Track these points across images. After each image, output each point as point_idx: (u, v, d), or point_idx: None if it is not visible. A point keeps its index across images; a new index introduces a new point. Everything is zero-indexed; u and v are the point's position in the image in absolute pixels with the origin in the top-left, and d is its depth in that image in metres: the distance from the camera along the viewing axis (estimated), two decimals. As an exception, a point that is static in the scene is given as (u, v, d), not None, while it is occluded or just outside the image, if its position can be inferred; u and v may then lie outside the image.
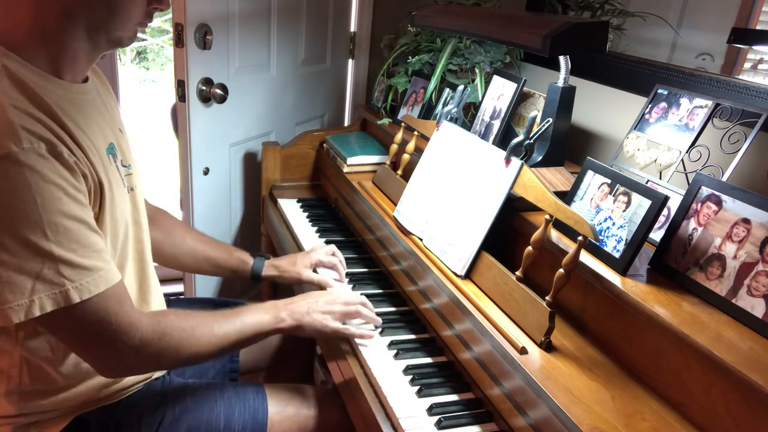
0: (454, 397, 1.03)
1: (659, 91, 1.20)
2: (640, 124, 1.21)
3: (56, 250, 0.77)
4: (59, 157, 0.78)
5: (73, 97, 0.87)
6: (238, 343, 1.04)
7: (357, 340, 1.15)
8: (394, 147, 1.58)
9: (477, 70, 1.61)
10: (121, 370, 0.95)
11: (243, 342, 1.05)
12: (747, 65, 1.24)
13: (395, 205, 1.39)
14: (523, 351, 0.94)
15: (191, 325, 0.97)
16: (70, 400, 0.97)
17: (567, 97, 1.29)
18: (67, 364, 0.95)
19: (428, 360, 1.13)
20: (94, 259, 0.82)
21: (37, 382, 0.93)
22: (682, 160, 1.10)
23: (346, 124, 2.33)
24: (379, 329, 1.19)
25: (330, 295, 1.17)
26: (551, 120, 1.21)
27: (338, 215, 1.75)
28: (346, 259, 1.46)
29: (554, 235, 1.10)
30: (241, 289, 2.06)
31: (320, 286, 1.33)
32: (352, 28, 2.20)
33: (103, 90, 1.02)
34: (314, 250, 1.40)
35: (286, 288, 1.67)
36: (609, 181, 1.06)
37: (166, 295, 1.21)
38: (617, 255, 0.99)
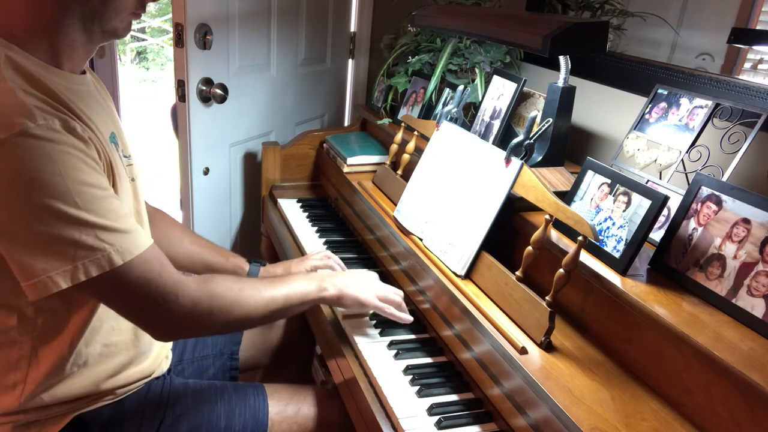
0: (454, 397, 1.03)
1: (659, 91, 1.20)
2: (640, 124, 1.21)
3: (90, 217, 0.79)
4: (73, 131, 0.80)
5: (73, 87, 0.89)
6: (284, 309, 1.06)
7: (357, 340, 1.16)
8: (394, 147, 1.58)
9: (477, 70, 1.61)
10: (175, 331, 0.97)
11: (289, 308, 1.06)
12: (747, 65, 1.24)
13: (395, 205, 1.39)
14: (523, 351, 0.94)
15: (240, 287, 0.99)
16: (70, 393, 0.98)
17: (567, 97, 1.29)
18: (73, 354, 0.95)
19: (428, 360, 1.13)
20: (126, 224, 0.84)
21: (42, 373, 0.94)
22: (682, 160, 1.10)
23: (346, 124, 2.33)
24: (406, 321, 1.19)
25: (372, 275, 1.21)
26: (551, 120, 1.21)
27: (338, 215, 1.75)
28: (347, 259, 1.46)
29: (554, 235, 1.10)
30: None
31: None
32: (352, 28, 2.20)
33: (100, 88, 1.03)
34: (309, 257, 1.39)
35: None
36: (609, 181, 1.06)
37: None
38: (617, 255, 0.99)
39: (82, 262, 0.79)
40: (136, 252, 0.84)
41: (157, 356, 1.13)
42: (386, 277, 1.41)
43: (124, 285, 0.84)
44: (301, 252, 1.54)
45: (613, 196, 1.04)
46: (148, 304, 0.88)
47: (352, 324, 1.21)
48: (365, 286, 1.16)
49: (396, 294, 1.20)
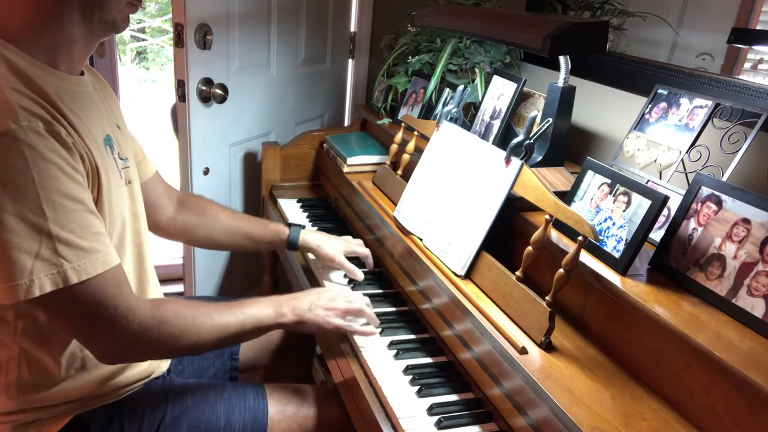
0: (454, 397, 1.03)
1: (659, 91, 1.20)
2: (640, 124, 1.21)
3: (54, 229, 0.77)
4: (57, 136, 0.78)
5: (69, 88, 0.88)
6: (238, 336, 1.03)
7: (357, 340, 1.15)
8: (394, 147, 1.58)
9: (477, 70, 1.61)
10: (119, 356, 0.94)
11: (244, 335, 1.04)
12: (747, 65, 1.24)
13: (395, 205, 1.39)
14: (523, 351, 0.94)
15: (192, 314, 0.96)
16: (69, 395, 0.97)
17: (567, 97, 1.29)
18: (66, 357, 0.95)
19: (428, 360, 1.13)
20: (92, 241, 0.82)
21: (35, 375, 0.93)
22: (682, 160, 1.10)
23: (346, 124, 2.33)
24: (380, 329, 1.19)
25: (332, 293, 1.17)
26: (551, 120, 1.21)
27: (338, 215, 1.75)
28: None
29: (554, 235, 1.10)
30: (241, 288, 2.06)
31: (321, 282, 1.36)
32: (352, 28, 2.20)
33: (101, 88, 1.03)
34: (347, 239, 1.44)
35: (286, 285, 1.67)
36: (609, 181, 1.06)
37: (166, 295, 1.21)
38: (617, 255, 0.99)
39: (38, 276, 0.77)
40: (94, 272, 0.81)
41: (156, 357, 1.12)
42: (386, 278, 1.41)
43: (75, 304, 0.82)
44: (302, 253, 1.54)
45: (613, 196, 1.04)
46: (96, 327, 0.86)
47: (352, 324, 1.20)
48: (327, 309, 1.12)
49: (360, 303, 1.17)
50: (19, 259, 0.76)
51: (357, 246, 1.43)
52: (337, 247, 1.39)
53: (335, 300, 1.15)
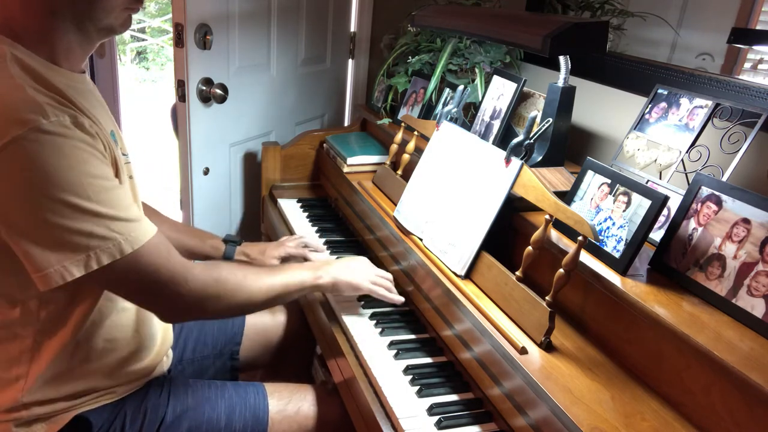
0: (454, 397, 1.03)
1: (659, 91, 1.20)
2: (640, 124, 1.21)
3: (101, 208, 0.82)
4: (82, 127, 0.83)
5: (74, 85, 0.90)
6: (282, 295, 1.11)
7: (357, 340, 1.16)
8: (394, 147, 1.58)
9: (477, 70, 1.61)
10: (183, 313, 1.01)
11: (287, 295, 1.12)
12: (747, 65, 1.24)
13: (395, 205, 1.39)
14: (523, 351, 0.94)
15: (243, 274, 1.04)
16: (71, 389, 0.98)
17: (567, 97, 1.29)
18: (72, 348, 0.96)
19: (428, 360, 1.13)
20: (132, 212, 0.87)
21: (43, 368, 0.94)
22: (682, 160, 1.10)
23: (346, 124, 2.33)
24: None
25: (362, 262, 1.27)
26: (551, 120, 1.21)
27: (338, 215, 1.75)
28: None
29: (554, 235, 1.10)
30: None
31: None
32: (352, 28, 2.20)
33: (96, 89, 1.04)
34: (284, 243, 1.47)
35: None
36: (609, 181, 1.06)
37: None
38: (617, 255, 0.99)
39: (95, 251, 0.82)
40: (144, 240, 0.87)
41: (158, 354, 1.13)
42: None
43: (135, 272, 0.87)
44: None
45: (613, 196, 1.04)
46: (158, 289, 0.91)
47: (352, 324, 1.21)
48: (357, 272, 1.23)
49: (385, 278, 1.27)
50: (75, 240, 0.81)
51: (293, 248, 1.46)
52: (270, 253, 1.43)
53: (366, 267, 1.26)
